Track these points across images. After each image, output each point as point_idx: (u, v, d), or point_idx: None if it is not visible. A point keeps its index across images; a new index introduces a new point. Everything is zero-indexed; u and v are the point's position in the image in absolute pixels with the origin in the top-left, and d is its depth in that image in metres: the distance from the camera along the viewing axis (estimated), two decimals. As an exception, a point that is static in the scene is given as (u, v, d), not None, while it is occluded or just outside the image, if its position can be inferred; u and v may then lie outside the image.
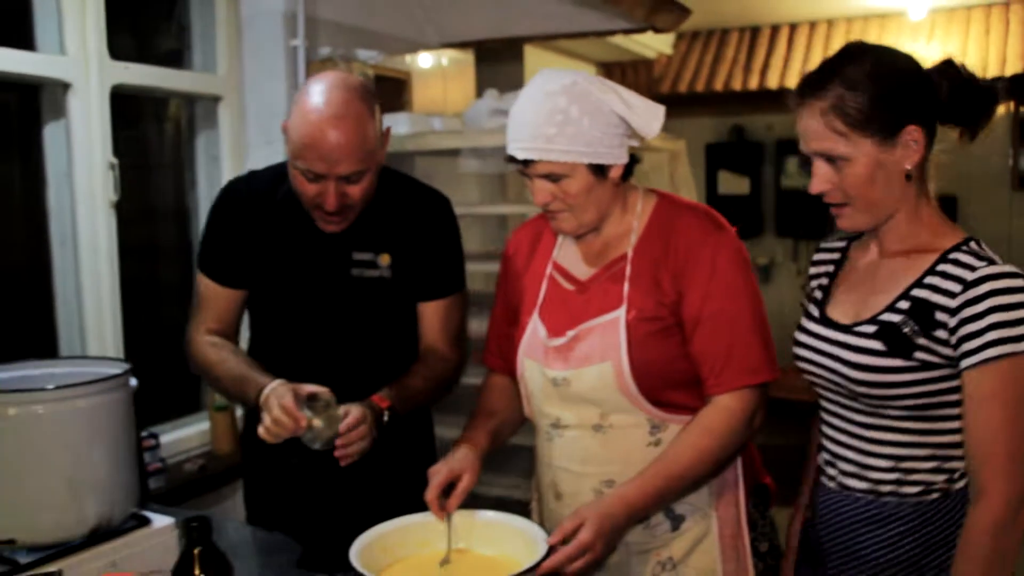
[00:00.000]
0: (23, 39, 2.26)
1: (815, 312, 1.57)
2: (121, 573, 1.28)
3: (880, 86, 1.38)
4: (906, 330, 1.40)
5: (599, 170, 1.55)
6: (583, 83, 1.53)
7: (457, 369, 1.92)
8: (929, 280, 1.40)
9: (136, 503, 1.55)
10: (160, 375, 2.39)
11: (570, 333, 1.61)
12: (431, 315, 1.90)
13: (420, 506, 1.57)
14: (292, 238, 1.82)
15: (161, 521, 1.56)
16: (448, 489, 1.56)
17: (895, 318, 1.42)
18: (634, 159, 1.61)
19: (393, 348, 1.87)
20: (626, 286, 1.59)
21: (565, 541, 1.42)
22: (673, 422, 1.58)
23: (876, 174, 1.41)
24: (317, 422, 1.58)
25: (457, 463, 1.59)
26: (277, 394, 1.60)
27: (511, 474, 2.60)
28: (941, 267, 1.40)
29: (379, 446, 1.67)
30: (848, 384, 1.46)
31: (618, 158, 1.56)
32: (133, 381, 1.58)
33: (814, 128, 1.41)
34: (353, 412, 1.61)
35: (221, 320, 1.85)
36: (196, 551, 1.25)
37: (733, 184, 6.61)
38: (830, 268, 1.62)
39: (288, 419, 1.56)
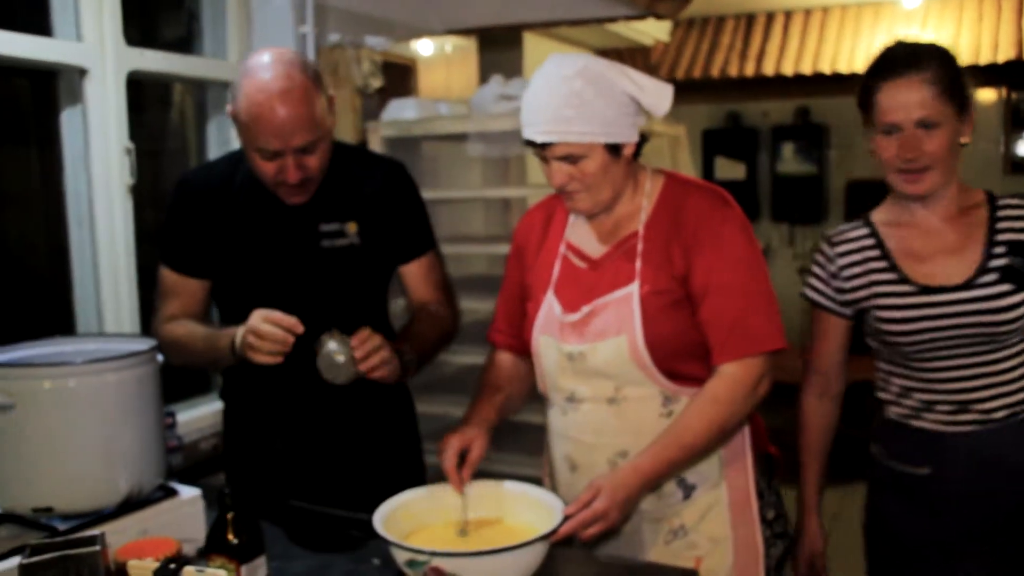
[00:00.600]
0: (40, 25, 2.29)
1: (907, 288, 1.70)
2: (157, 538, 1.33)
3: (954, 66, 1.65)
4: (1019, 266, 1.65)
5: (614, 149, 1.60)
6: (595, 65, 1.58)
7: (454, 320, 1.99)
8: (1001, 225, 1.69)
9: (163, 475, 1.60)
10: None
11: (585, 309, 1.66)
12: (414, 274, 1.97)
13: (406, 484, 1.63)
14: (257, 220, 1.85)
15: (188, 492, 1.61)
16: (459, 461, 1.62)
17: (1001, 261, 1.66)
18: (643, 137, 1.66)
19: (367, 316, 1.89)
20: (638, 262, 1.64)
21: None
22: (685, 394, 1.63)
23: (954, 142, 1.65)
24: (331, 344, 1.63)
25: (468, 433, 1.64)
26: (257, 315, 1.63)
27: (516, 451, 2.65)
28: (1001, 212, 1.70)
29: (361, 424, 1.72)
30: (991, 328, 1.65)
31: (631, 137, 1.62)
32: (160, 357, 1.63)
33: (917, 98, 1.62)
34: (361, 330, 1.66)
35: (186, 312, 1.88)
36: (229, 516, 1.30)
37: (729, 170, 6.66)
38: (871, 252, 1.75)
39: (277, 328, 1.60)
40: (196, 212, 1.86)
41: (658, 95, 1.62)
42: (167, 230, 1.91)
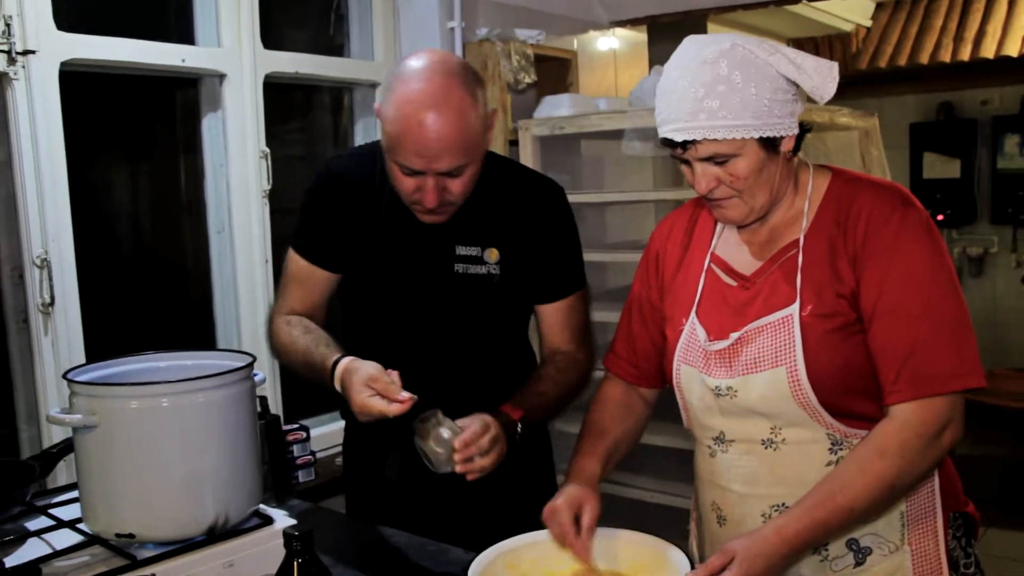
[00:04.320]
0: (184, 34, 2.28)
1: None
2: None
3: None
4: None
5: (770, 144, 1.32)
6: (743, 45, 1.31)
7: (587, 371, 1.75)
8: None
9: (257, 501, 1.48)
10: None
11: (734, 335, 1.39)
12: (552, 317, 1.74)
13: (534, 521, 1.42)
14: (390, 225, 1.67)
15: (283, 521, 1.48)
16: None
17: None
18: (804, 128, 1.37)
19: (500, 352, 1.72)
20: (799, 278, 1.35)
21: None
22: (859, 438, 1.33)
23: None
24: (431, 443, 1.44)
25: (575, 496, 1.41)
26: (358, 381, 1.46)
27: (672, 479, 2.38)
28: None
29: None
30: None
31: (789, 128, 1.33)
32: (259, 375, 1.51)
33: None
34: (472, 425, 1.45)
35: (307, 303, 1.71)
36: (296, 563, 1.15)
37: (941, 167, 5.98)
38: None
39: (377, 401, 1.43)
40: (335, 200, 1.70)
41: (821, 76, 1.32)
42: (304, 215, 1.74)
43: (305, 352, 1.61)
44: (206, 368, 1.48)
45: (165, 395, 1.36)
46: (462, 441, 1.43)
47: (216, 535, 1.40)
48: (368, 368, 1.47)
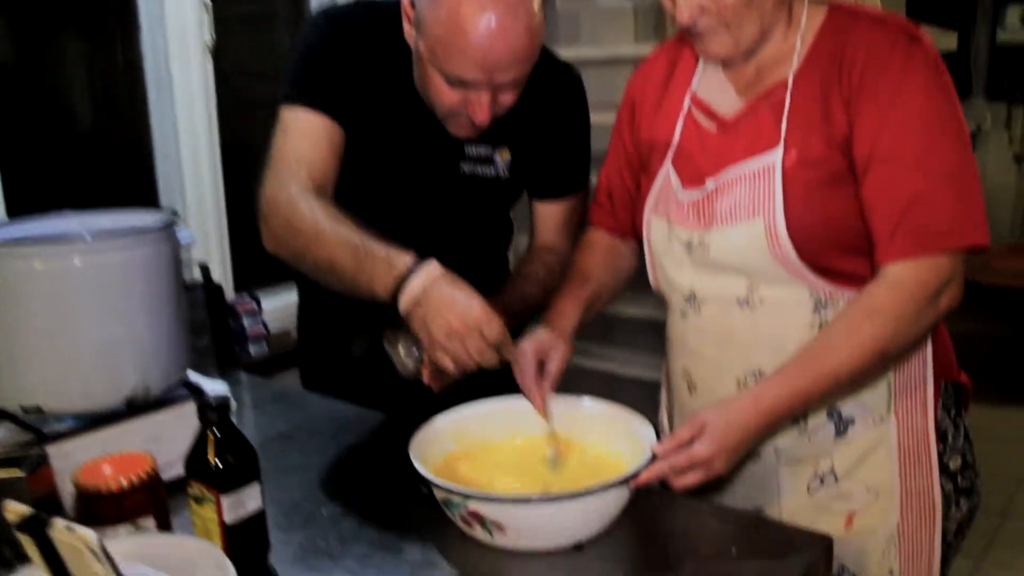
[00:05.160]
0: None
1: None
2: (129, 453, 1.07)
3: None
4: None
5: None
6: None
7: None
8: None
9: (183, 371, 1.35)
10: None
11: (710, 183, 1.24)
12: (551, 215, 1.60)
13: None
14: (395, 111, 1.44)
15: (216, 390, 1.35)
16: None
17: None
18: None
19: (488, 243, 1.58)
20: (784, 120, 1.19)
21: None
22: (846, 298, 1.20)
23: None
24: (401, 353, 1.33)
25: (545, 339, 1.29)
26: (460, 305, 1.18)
27: (643, 350, 2.27)
28: None
29: None
30: None
31: (784, -53, 1.15)
32: (186, 235, 1.36)
33: None
34: None
35: (323, 172, 1.36)
36: (211, 435, 1.02)
37: (937, 39, 5.73)
38: None
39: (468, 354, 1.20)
40: (344, 51, 1.41)
41: None
42: (306, 62, 1.42)
43: (349, 239, 1.25)
44: (118, 227, 1.32)
45: (76, 254, 1.20)
46: (430, 359, 1.28)
47: (136, 407, 1.27)
48: (476, 303, 1.18)
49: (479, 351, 1.18)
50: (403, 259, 1.21)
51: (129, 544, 0.89)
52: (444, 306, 1.17)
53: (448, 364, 1.19)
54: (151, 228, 1.28)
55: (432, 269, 1.21)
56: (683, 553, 1.10)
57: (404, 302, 1.20)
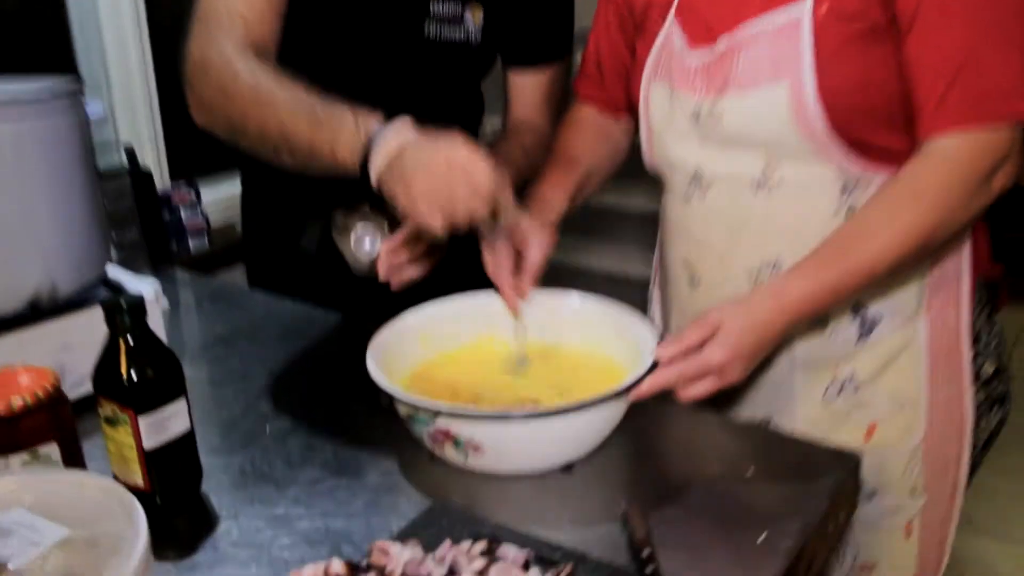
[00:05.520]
0: None
1: None
2: (31, 366, 0.87)
3: None
4: None
5: None
6: None
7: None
8: None
9: (100, 268, 1.15)
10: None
11: (723, 42, 1.05)
12: (529, 85, 1.42)
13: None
14: None
15: (141, 290, 1.15)
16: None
17: None
18: None
19: (461, 126, 1.35)
20: (813, -36, 0.99)
21: None
22: (878, 179, 1.03)
23: None
24: (352, 246, 1.21)
25: (521, 230, 1.10)
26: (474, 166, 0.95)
27: (624, 242, 2.10)
28: None
29: None
30: None
31: None
32: (95, 108, 1.13)
33: None
34: (405, 227, 1.09)
35: (257, 30, 1.15)
36: (123, 342, 0.83)
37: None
38: None
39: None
40: None
41: None
42: None
43: (303, 101, 1.04)
44: (8, 94, 1.09)
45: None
46: (387, 249, 1.09)
47: (43, 310, 1.07)
48: (463, 145, 0.95)
49: (470, 199, 0.94)
50: (370, 118, 1.01)
51: (10, 483, 0.71)
52: (425, 153, 0.95)
53: (434, 222, 0.95)
54: (46, 96, 1.05)
55: (405, 125, 1.00)
56: (690, 474, 0.94)
57: (378, 161, 0.98)
